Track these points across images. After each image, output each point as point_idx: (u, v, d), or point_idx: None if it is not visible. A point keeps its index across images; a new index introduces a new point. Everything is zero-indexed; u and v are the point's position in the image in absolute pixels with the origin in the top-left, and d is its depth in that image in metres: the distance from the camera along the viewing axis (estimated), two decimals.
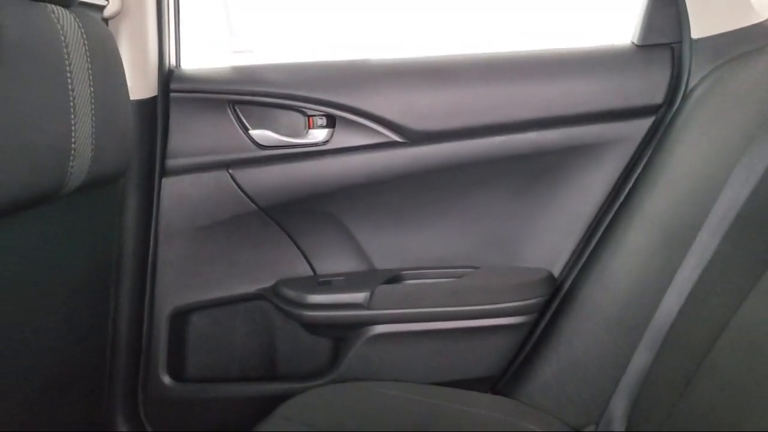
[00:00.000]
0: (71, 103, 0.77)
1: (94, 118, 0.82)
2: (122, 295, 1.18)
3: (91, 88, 0.82)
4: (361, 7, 1.33)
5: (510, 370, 1.24)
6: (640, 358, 1.00)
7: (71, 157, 0.78)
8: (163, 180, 1.19)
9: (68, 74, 0.77)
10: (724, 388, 0.76)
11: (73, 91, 0.78)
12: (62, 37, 0.77)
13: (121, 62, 0.92)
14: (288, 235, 1.27)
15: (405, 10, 1.51)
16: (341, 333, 1.25)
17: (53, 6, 0.78)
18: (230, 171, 1.21)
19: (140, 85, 1.13)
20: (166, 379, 1.26)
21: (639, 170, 1.18)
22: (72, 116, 0.77)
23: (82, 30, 0.81)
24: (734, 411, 0.73)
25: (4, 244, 0.76)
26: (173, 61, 1.22)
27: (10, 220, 0.75)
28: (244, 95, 1.21)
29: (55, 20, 0.76)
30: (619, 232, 1.16)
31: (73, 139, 0.78)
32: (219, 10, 1.23)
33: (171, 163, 1.20)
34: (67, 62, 0.77)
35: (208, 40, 1.22)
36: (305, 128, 1.22)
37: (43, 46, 0.73)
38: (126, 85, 0.93)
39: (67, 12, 0.80)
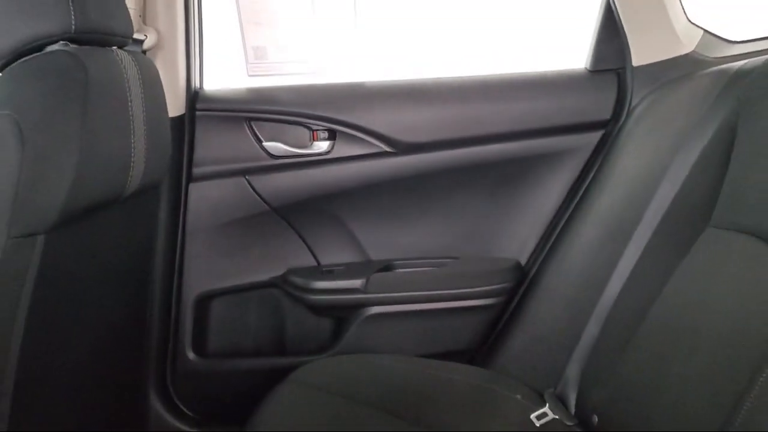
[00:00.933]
0: (131, 125, 0.98)
1: (145, 135, 1.03)
2: (155, 283, 1.38)
3: (144, 111, 1.02)
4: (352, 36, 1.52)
5: (485, 345, 1.45)
6: (590, 332, 1.22)
7: (131, 168, 0.99)
8: (190, 185, 1.40)
9: (129, 101, 0.98)
10: (652, 352, 0.96)
11: (132, 114, 0.99)
12: (124, 73, 0.98)
13: (162, 87, 1.13)
14: (295, 231, 1.48)
15: (393, 39, 1.72)
16: (341, 314, 1.45)
17: (116, 49, 0.99)
18: (247, 177, 1.42)
19: (172, 104, 1.33)
20: (191, 355, 1.46)
21: (591, 175, 1.40)
22: (132, 135, 0.98)
23: (136, 65, 1.02)
24: (659, 369, 0.93)
25: (80, 239, 0.97)
26: (198, 84, 1.42)
27: (85, 221, 0.95)
28: (258, 113, 1.41)
29: (119, 60, 0.98)
30: (574, 227, 1.38)
31: (132, 154, 0.99)
32: (237, 39, 1.44)
33: (197, 171, 1.40)
34: (128, 92, 0.98)
35: (227, 65, 1.43)
36: (310, 140, 1.43)
37: (112, 82, 0.94)
38: (166, 106, 1.14)
39: (125, 52, 1.01)
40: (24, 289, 0.85)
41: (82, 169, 0.85)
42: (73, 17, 0.87)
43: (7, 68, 0.86)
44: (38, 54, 0.87)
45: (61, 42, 0.88)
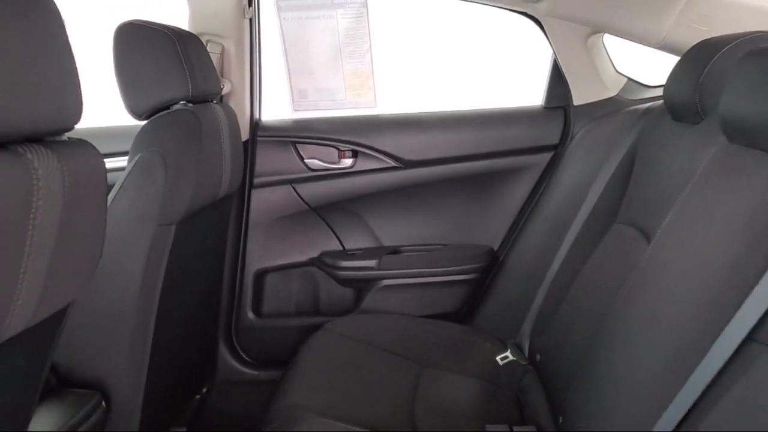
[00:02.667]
0: (222, 152, 1.49)
1: (230, 159, 1.54)
2: (228, 262, 1.90)
3: (229, 143, 1.54)
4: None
5: (465, 308, 1.95)
6: (538, 298, 1.69)
7: (222, 181, 1.50)
8: (252, 191, 1.91)
9: (221, 138, 1.49)
10: (574, 310, 1.40)
11: (222, 145, 1.49)
12: (220, 122, 1.49)
13: (238, 125, 1.64)
14: (327, 224, 1.98)
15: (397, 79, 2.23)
16: (360, 285, 1.96)
17: (213, 102, 1.51)
18: (293, 185, 1.92)
19: (244, 133, 1.83)
20: (250, 315, 1.97)
21: (543, 184, 1.89)
22: (223, 159, 1.49)
23: (225, 113, 1.54)
24: (577, 321, 1.36)
25: (193, 228, 1.47)
26: (258, 117, 1.92)
27: (196, 215, 1.46)
28: (301, 138, 1.92)
29: (218, 113, 1.49)
30: (531, 222, 1.87)
31: (223, 172, 1.50)
32: (285, 84, 1.93)
33: (257, 180, 1.91)
34: (221, 132, 1.49)
35: (278, 103, 1.93)
36: (339, 158, 1.93)
37: (213, 127, 1.46)
38: (240, 137, 1.65)
39: (218, 105, 1.52)
40: (163, 261, 1.36)
41: (198, 183, 1.37)
42: (190, 86, 1.38)
43: (151, 119, 1.37)
44: (170, 111, 1.38)
45: (182, 102, 1.39)
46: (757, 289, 0.80)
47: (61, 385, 1.30)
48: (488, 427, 1.34)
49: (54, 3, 0.69)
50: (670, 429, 0.87)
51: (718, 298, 0.86)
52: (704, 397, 0.84)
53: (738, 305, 0.82)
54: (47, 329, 0.89)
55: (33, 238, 0.66)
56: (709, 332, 0.85)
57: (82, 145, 0.76)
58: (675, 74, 1.28)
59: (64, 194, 0.71)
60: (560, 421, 1.26)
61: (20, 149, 0.64)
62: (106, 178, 0.80)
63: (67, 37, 0.71)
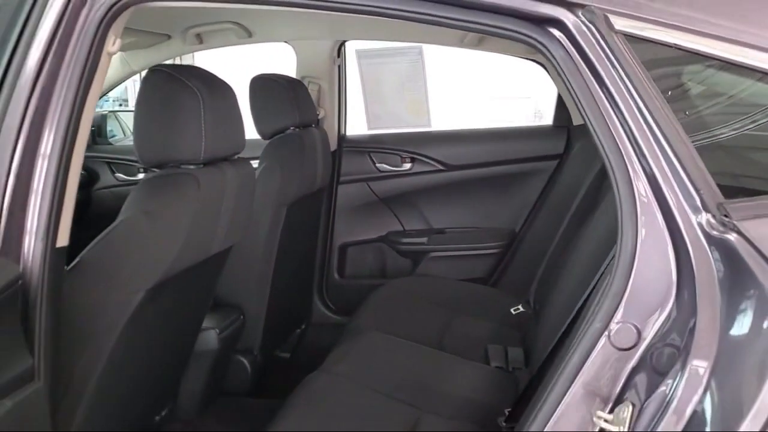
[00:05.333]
0: (318, 159, 2.23)
1: (322, 163, 2.28)
2: (320, 237, 2.64)
3: (322, 153, 2.27)
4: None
5: (494, 274, 2.62)
6: (543, 265, 2.33)
7: (317, 178, 2.24)
8: (338, 187, 2.65)
9: (317, 150, 2.23)
10: (561, 269, 2.06)
11: (317, 155, 2.23)
12: (316, 139, 2.23)
13: (329, 141, 2.37)
14: (392, 211, 2.69)
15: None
16: (415, 257, 2.66)
17: (313, 127, 2.25)
18: (367, 183, 2.66)
19: (333, 145, 2.58)
20: (336, 276, 2.71)
21: (551, 183, 2.52)
22: (317, 164, 2.23)
23: (320, 134, 2.28)
24: (561, 279, 2.06)
25: (301, 211, 2.19)
26: (343, 132, 2.67)
27: (303, 203, 2.19)
28: (374, 148, 2.65)
29: (315, 134, 2.23)
30: (541, 211, 2.51)
31: (317, 172, 2.23)
32: (362, 109, 2.68)
33: (341, 179, 2.65)
34: (317, 146, 2.23)
35: (357, 123, 2.67)
36: (401, 163, 2.65)
37: (311, 144, 2.19)
38: (330, 149, 2.39)
39: (316, 129, 2.27)
40: (278, 230, 2.09)
41: (300, 180, 2.10)
42: (298, 118, 2.12)
43: (272, 139, 2.11)
44: (284, 134, 2.11)
45: (292, 128, 2.13)
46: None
47: (216, 304, 2.07)
48: (489, 347, 1.99)
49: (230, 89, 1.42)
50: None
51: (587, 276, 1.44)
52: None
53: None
54: (220, 259, 1.65)
55: (227, 203, 1.42)
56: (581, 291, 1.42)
57: (244, 161, 1.52)
58: None
59: (238, 184, 1.46)
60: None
61: (220, 165, 1.39)
62: (254, 178, 1.56)
63: (237, 103, 1.44)
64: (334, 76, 2.54)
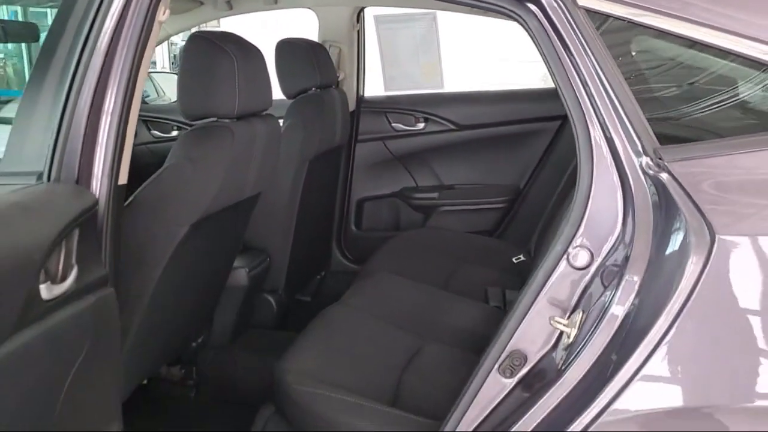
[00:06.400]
0: (337, 117, 2.43)
1: (341, 123, 2.48)
2: (339, 192, 2.85)
3: (341, 112, 2.47)
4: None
5: (500, 227, 2.82)
6: (543, 217, 2.53)
7: (335, 135, 2.45)
8: (356, 145, 2.85)
9: (335, 110, 2.43)
10: (554, 219, 2.27)
11: (336, 114, 2.43)
12: (335, 99, 2.43)
13: (347, 102, 2.57)
14: (406, 168, 2.89)
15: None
16: (426, 211, 2.87)
17: (333, 89, 2.45)
18: (383, 141, 2.86)
19: (352, 105, 2.78)
20: (354, 229, 2.93)
21: (554, 142, 2.70)
22: (336, 122, 2.44)
23: (340, 95, 2.48)
24: (546, 223, 2.27)
25: (322, 168, 2.42)
26: (361, 93, 2.86)
27: (323, 160, 2.42)
28: (390, 108, 2.84)
29: (334, 95, 2.43)
30: (544, 168, 2.70)
31: (336, 129, 2.44)
32: (379, 72, 2.86)
33: (359, 138, 2.84)
34: (336, 106, 2.43)
35: (375, 84, 2.86)
36: (415, 123, 2.84)
37: (331, 104, 2.40)
38: (348, 109, 2.59)
39: (336, 90, 2.47)
40: (300, 183, 2.31)
41: (320, 137, 2.31)
42: (318, 80, 2.32)
43: (296, 99, 2.32)
44: (306, 94, 2.32)
45: (314, 88, 2.33)
46: None
47: (245, 247, 2.30)
48: (489, 289, 2.21)
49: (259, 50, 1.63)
50: None
51: None
52: None
53: None
54: (250, 205, 1.87)
55: (257, 153, 1.64)
56: None
57: (271, 116, 1.73)
58: None
59: (266, 137, 1.67)
60: None
61: (251, 119, 1.60)
62: (280, 132, 1.77)
63: (266, 65, 1.65)
64: (353, 40, 2.72)
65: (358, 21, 2.71)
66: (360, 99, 2.85)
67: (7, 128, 1.21)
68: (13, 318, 0.83)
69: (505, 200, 2.79)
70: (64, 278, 0.96)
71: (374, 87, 2.89)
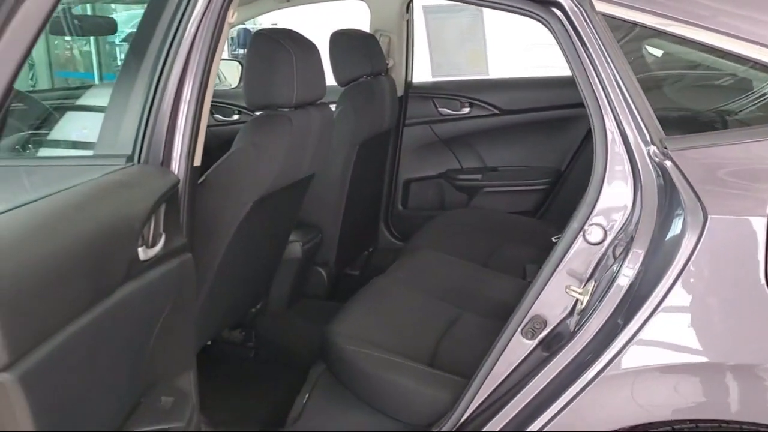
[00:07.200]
0: (385, 103, 2.59)
1: (390, 107, 2.64)
2: (387, 172, 3.02)
3: (390, 98, 2.63)
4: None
5: (541, 208, 2.94)
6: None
7: (383, 120, 2.61)
8: (404, 129, 3.01)
9: (384, 96, 2.59)
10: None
11: (384, 100, 2.60)
12: (384, 86, 2.59)
13: (396, 88, 2.73)
14: (451, 151, 3.04)
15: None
16: (470, 192, 3.01)
17: (383, 77, 2.61)
18: (430, 125, 3.00)
19: (400, 91, 2.94)
20: (400, 208, 3.10)
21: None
22: (384, 108, 2.60)
23: (388, 82, 2.64)
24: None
25: (372, 150, 2.58)
26: (410, 79, 3.01)
27: (373, 142, 2.58)
28: (436, 94, 2.98)
29: (383, 82, 2.59)
30: (584, 151, 2.80)
31: (384, 114, 2.60)
32: (427, 59, 3.00)
33: (407, 122, 3.00)
34: (384, 93, 2.59)
35: (423, 70, 3.00)
36: (460, 107, 2.98)
37: (380, 91, 2.56)
38: (397, 94, 2.75)
39: (384, 77, 2.63)
40: (350, 165, 2.49)
41: (370, 122, 2.48)
42: (371, 68, 2.48)
43: (347, 86, 2.48)
44: (358, 82, 2.49)
45: (364, 76, 2.49)
46: None
47: (300, 223, 2.49)
48: (527, 265, 2.35)
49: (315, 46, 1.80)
50: None
51: None
52: None
53: None
54: (305, 185, 2.05)
55: (312, 138, 1.82)
56: None
57: (325, 105, 1.90)
58: None
59: (320, 124, 1.85)
60: None
61: (307, 108, 1.78)
62: (333, 119, 1.95)
63: (320, 59, 1.82)
64: (402, 29, 2.87)
65: (407, 11, 2.85)
66: (408, 85, 3.00)
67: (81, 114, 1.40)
68: (121, 273, 1.04)
69: (546, 182, 2.91)
70: (154, 244, 1.16)
71: (422, 73, 3.03)
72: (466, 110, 2.98)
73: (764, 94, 1.19)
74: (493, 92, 2.93)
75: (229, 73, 3.50)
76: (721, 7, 1.22)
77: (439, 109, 2.99)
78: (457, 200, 3.06)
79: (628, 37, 1.22)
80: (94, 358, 0.98)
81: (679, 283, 1.04)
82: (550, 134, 2.93)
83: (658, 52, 1.30)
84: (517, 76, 2.93)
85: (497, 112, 2.93)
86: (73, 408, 0.94)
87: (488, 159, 3.01)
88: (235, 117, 3.23)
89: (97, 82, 5.31)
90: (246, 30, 4.90)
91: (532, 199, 2.95)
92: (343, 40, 2.44)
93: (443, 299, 2.03)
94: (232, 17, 1.48)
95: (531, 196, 2.95)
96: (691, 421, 1.09)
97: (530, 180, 2.93)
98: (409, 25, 2.91)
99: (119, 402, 1.09)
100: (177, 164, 1.38)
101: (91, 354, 0.96)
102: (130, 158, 1.33)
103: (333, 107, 2.40)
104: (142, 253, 1.11)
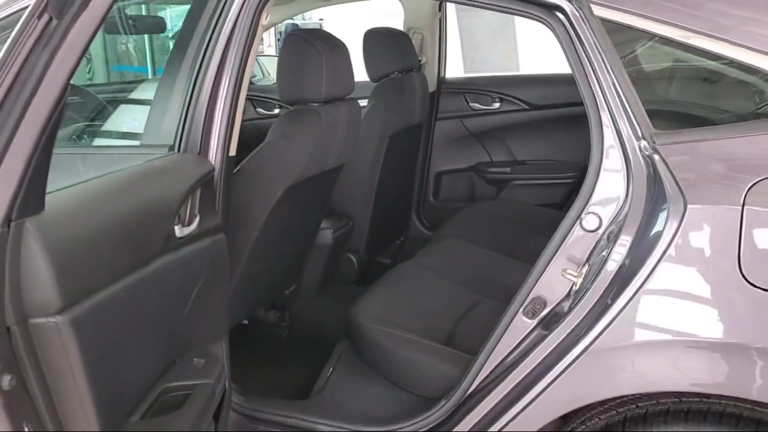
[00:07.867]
0: (416, 98, 2.70)
1: (420, 102, 2.75)
2: (419, 165, 3.13)
3: (420, 93, 2.74)
4: None
5: (568, 201, 3.00)
6: None
7: (414, 115, 2.72)
8: (436, 122, 3.12)
9: (415, 92, 2.70)
10: None
11: (415, 95, 2.71)
12: (415, 83, 2.70)
13: (427, 84, 2.84)
14: (481, 144, 3.13)
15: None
16: (500, 184, 3.10)
17: (414, 73, 2.73)
18: (461, 119, 3.10)
19: (430, 85, 3.04)
20: (431, 199, 3.21)
21: None
22: (415, 102, 2.71)
23: (420, 78, 2.75)
24: None
25: (401, 143, 2.71)
26: (442, 74, 3.12)
27: (402, 136, 2.70)
28: (468, 89, 3.08)
29: (414, 79, 2.70)
30: None
31: (415, 109, 2.71)
32: (459, 55, 3.10)
33: (439, 116, 3.10)
34: (416, 89, 2.70)
35: (455, 66, 3.10)
36: (491, 102, 3.07)
37: (411, 87, 2.68)
38: (428, 89, 2.86)
39: (416, 73, 2.74)
40: (380, 157, 2.61)
41: (400, 116, 2.60)
42: (401, 64, 2.60)
43: (379, 82, 2.60)
44: (389, 78, 2.60)
45: (396, 72, 2.61)
46: None
47: (331, 212, 2.62)
48: None
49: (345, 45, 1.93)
50: None
51: None
52: None
53: None
54: (334, 174, 2.19)
55: (339, 131, 1.95)
56: None
57: (352, 100, 2.03)
58: None
59: (348, 118, 1.98)
60: None
61: (335, 103, 1.91)
62: (360, 113, 2.07)
63: (349, 57, 1.94)
64: (435, 27, 2.98)
65: (439, 9, 2.96)
66: (441, 80, 3.11)
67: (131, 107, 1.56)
68: (158, 245, 1.19)
69: (573, 176, 2.97)
70: (190, 223, 1.31)
71: (455, 69, 3.13)
72: (497, 105, 3.06)
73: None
74: (523, 88, 3.01)
75: (272, 68, 3.67)
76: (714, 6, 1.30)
77: (471, 103, 3.09)
78: (487, 193, 3.15)
79: (623, 37, 1.31)
80: (134, 316, 1.13)
81: (660, 267, 1.14)
82: (578, 129, 2.94)
83: (652, 52, 1.38)
84: (547, 73, 3.00)
85: (527, 107, 3.01)
86: (115, 356, 1.10)
87: (517, 153, 3.09)
88: (276, 111, 3.40)
89: (150, 76, 5.58)
90: (294, 25, 5.06)
91: (559, 193, 3.02)
92: (375, 37, 2.56)
93: (464, 285, 2.13)
94: (265, 20, 1.63)
95: (558, 189, 3.02)
96: (663, 393, 1.19)
97: (558, 173, 3.01)
98: (442, 23, 3.01)
99: (156, 358, 1.25)
100: (213, 154, 1.53)
101: (131, 312, 1.12)
102: (171, 148, 1.48)
103: (365, 102, 2.53)
104: (178, 231, 1.26)
